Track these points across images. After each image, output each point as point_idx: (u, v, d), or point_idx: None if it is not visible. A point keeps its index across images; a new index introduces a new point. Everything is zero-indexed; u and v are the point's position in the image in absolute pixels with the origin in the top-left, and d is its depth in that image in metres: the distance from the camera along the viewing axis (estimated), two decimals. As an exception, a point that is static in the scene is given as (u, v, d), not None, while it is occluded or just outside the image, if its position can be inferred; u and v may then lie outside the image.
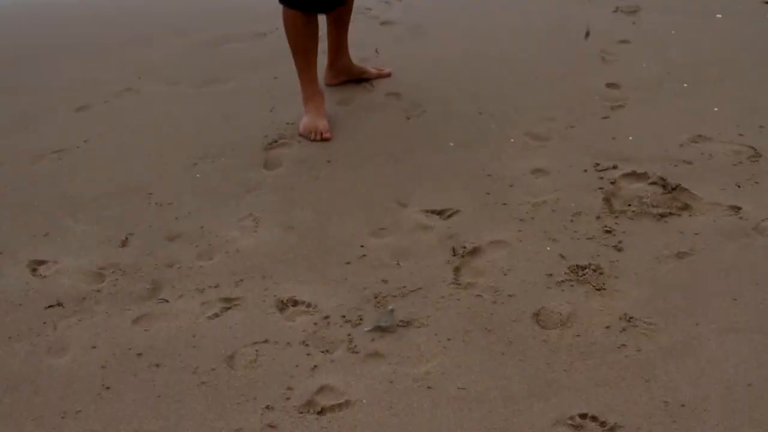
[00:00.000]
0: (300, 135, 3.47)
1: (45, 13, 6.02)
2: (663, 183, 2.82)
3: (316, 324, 2.32)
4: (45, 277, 2.68)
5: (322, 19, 3.54)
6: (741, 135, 3.11)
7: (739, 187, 2.77)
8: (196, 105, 3.95)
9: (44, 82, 4.50)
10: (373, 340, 2.22)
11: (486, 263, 2.52)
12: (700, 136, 3.14)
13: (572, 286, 2.37)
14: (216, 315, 2.40)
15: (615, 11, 4.62)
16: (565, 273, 2.42)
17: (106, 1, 6.11)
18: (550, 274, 2.43)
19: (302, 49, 3.44)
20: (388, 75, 3.99)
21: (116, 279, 2.63)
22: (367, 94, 3.83)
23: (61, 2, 6.15)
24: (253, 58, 4.50)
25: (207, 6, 5.70)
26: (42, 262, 2.75)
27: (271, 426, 1.97)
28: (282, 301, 2.43)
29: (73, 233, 2.91)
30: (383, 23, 4.81)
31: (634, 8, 4.64)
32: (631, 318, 2.20)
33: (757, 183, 2.78)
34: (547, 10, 4.79)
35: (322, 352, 2.21)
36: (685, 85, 3.64)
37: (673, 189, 2.78)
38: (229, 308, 2.43)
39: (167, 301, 2.49)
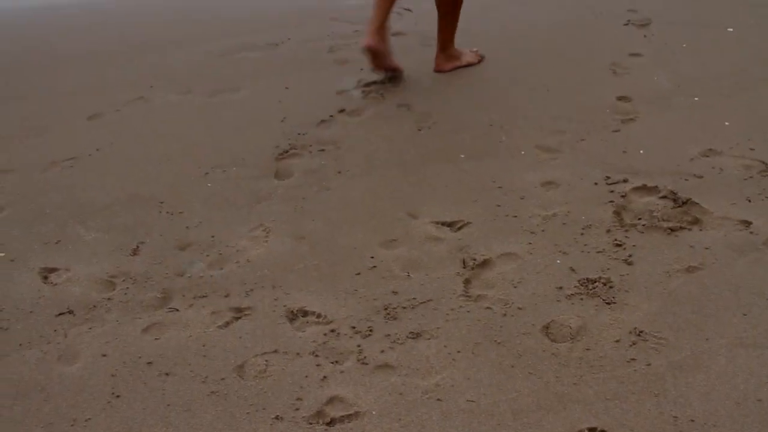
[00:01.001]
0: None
1: (57, 20, 6.07)
2: (673, 197, 2.82)
3: (325, 335, 2.32)
4: (56, 284, 2.69)
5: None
6: (752, 149, 3.11)
7: (749, 201, 2.76)
8: (208, 114, 3.97)
9: (56, 90, 4.53)
10: (382, 351, 2.23)
11: (496, 276, 2.52)
12: (710, 149, 3.14)
13: (582, 299, 2.37)
14: (226, 324, 2.41)
15: (626, 24, 4.63)
16: (575, 286, 2.42)
17: (117, 9, 6.17)
18: (560, 287, 2.43)
19: None
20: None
21: (127, 287, 2.64)
22: (378, 104, 3.85)
23: (72, 10, 6.21)
24: (264, 67, 4.52)
25: (219, 15, 5.74)
26: (53, 270, 2.77)
27: (280, 436, 1.98)
28: (292, 311, 2.44)
29: (85, 241, 2.93)
30: (394, 34, 4.82)
31: (646, 21, 4.65)
32: (641, 332, 2.20)
33: (767, 198, 2.77)
34: (558, 22, 4.80)
35: (332, 362, 2.21)
36: (696, 98, 3.64)
37: (684, 203, 2.77)
38: (239, 318, 2.44)
39: (177, 310, 2.50)
